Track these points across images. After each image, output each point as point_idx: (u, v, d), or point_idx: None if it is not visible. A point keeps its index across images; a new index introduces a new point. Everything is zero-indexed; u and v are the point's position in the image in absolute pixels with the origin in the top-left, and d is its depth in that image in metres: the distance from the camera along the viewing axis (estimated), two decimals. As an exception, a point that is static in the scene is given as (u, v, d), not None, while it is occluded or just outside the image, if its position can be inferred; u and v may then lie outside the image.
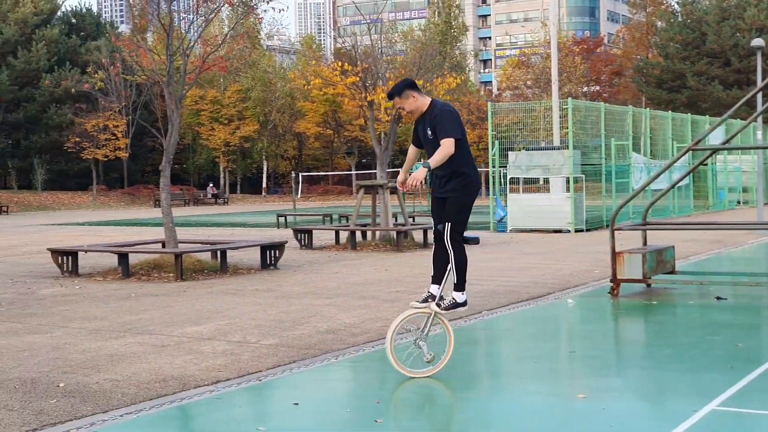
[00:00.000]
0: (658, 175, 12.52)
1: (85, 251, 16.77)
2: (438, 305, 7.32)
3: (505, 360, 8.69)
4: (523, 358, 8.55)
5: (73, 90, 53.08)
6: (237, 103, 63.02)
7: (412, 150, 7.64)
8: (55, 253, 16.35)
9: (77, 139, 56.54)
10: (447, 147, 7.10)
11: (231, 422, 6.39)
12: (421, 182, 7.00)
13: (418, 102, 7.38)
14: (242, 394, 7.12)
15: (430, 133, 7.27)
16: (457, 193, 7.30)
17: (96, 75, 48.23)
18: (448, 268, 7.32)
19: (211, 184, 64.25)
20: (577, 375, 7.77)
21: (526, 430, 5.88)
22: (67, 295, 13.25)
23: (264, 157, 68.70)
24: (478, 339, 9.49)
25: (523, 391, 7.11)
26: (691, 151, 13.24)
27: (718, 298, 11.57)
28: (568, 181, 25.87)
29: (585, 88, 68.35)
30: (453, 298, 7.39)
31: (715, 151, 13.44)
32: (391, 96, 7.46)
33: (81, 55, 60.94)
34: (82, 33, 66.15)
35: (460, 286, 7.38)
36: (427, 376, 7.36)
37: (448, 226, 7.27)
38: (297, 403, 6.71)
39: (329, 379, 7.69)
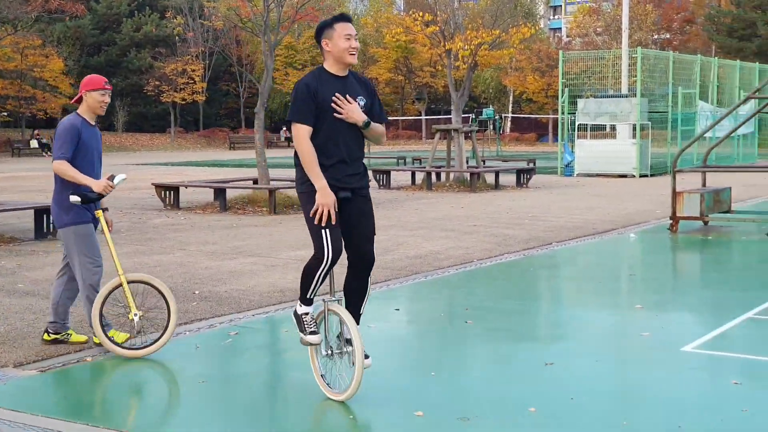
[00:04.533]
0: (717, 122, 13.53)
1: (186, 186, 18.29)
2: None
3: (572, 280, 9.95)
4: (588, 279, 9.83)
5: (153, 32, 54.83)
6: (311, 49, 64.25)
7: (308, 136, 5.12)
8: (159, 187, 17.95)
9: (156, 83, 58.44)
10: (384, 134, 5.45)
11: (345, 321, 7.81)
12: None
13: None
14: (349, 302, 8.48)
15: (362, 103, 5.22)
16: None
17: (175, 20, 49.68)
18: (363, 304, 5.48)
19: (284, 128, 65.75)
20: (635, 292, 9.05)
21: (590, 331, 7.17)
22: (175, 225, 14.78)
23: (335, 101, 69.99)
24: (548, 264, 10.75)
25: (590, 303, 8.43)
26: (758, 101, 14.19)
27: (769, 234, 12.67)
28: (634, 128, 26.75)
29: (655, 36, 67.99)
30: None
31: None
32: (349, 19, 5.28)
33: (160, 0, 62.61)
34: (160, -22, 67.75)
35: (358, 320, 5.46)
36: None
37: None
38: (398, 309, 8.08)
39: (422, 292, 9.03)
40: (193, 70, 57.97)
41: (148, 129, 64.66)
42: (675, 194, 13.04)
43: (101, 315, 6.38)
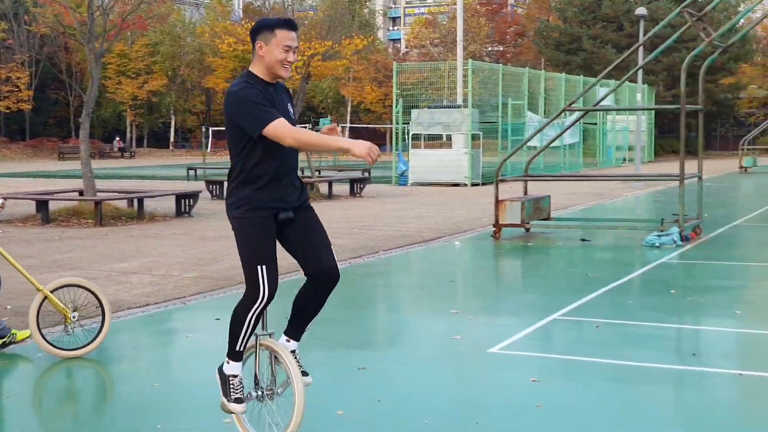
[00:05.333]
0: (537, 132, 14.11)
1: (5, 198, 17.48)
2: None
3: (394, 288, 10.17)
4: (409, 286, 10.07)
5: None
6: (145, 57, 62.92)
7: (287, 124, 4.42)
8: (-23, 200, 17.14)
9: (-22, 90, 55.88)
10: None
11: (163, 333, 7.74)
12: None
13: None
14: (170, 313, 8.39)
15: (291, 109, 4.71)
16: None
17: (-1, 25, 47.16)
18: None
19: (117, 138, 64.12)
20: (453, 298, 9.34)
21: (405, 336, 7.36)
22: (-7, 238, 14.17)
23: (172, 111, 68.80)
24: (374, 272, 10.92)
25: (409, 309, 8.65)
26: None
27: (583, 239, 13.31)
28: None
29: (489, 48, 70.23)
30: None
31: (586, 112, 15.10)
32: (295, 27, 4.64)
33: (-18, 5, 59.87)
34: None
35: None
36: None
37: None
38: (218, 319, 8.02)
39: (245, 302, 9.00)
40: (18, 78, 55.65)
41: (-31, 139, 61.65)
42: (498, 202, 13.49)
43: (38, 325, 6.79)
